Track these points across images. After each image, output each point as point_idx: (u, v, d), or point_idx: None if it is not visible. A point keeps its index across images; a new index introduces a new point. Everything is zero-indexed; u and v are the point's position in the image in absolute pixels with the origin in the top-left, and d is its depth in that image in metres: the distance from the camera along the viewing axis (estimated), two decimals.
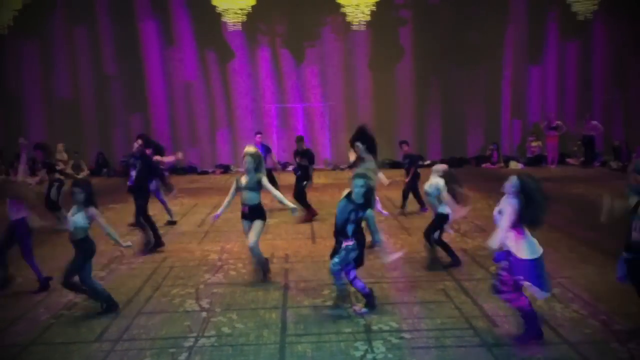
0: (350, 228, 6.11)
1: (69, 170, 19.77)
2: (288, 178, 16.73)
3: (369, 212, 6.19)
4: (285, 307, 6.51)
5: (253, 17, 18.10)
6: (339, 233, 6.20)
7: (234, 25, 17.95)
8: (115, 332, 5.90)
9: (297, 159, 12.07)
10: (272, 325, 5.99)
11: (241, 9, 17.56)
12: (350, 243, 6.14)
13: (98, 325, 6.07)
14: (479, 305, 6.40)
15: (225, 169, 20.68)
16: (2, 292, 7.23)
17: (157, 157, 10.44)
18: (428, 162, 20.82)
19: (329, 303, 6.65)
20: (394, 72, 21.13)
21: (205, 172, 20.51)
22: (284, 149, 20.72)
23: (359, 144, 8.38)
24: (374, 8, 17.52)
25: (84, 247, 6.27)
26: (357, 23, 17.76)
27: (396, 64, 21.10)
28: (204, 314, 6.37)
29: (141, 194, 9.32)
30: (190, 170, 20.56)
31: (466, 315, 6.14)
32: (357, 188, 6.06)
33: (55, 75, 20.76)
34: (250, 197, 7.27)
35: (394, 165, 19.15)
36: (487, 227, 10.37)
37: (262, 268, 7.52)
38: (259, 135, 14.16)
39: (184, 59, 20.88)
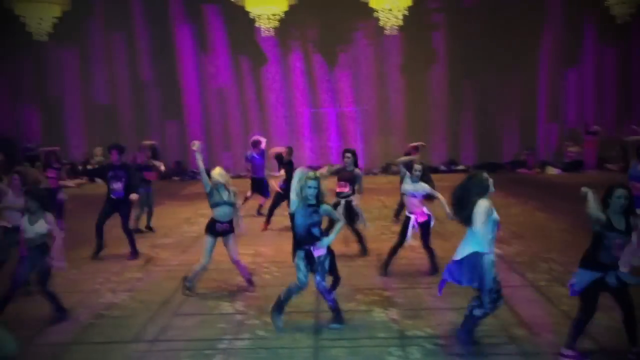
0: (316, 231, 6.00)
1: None
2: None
3: (324, 206, 6.09)
4: (319, 311, 6.51)
5: (286, 22, 18.23)
6: (304, 241, 5.99)
7: (267, 31, 18.09)
8: (152, 333, 5.98)
9: (281, 170, 11.48)
10: (306, 329, 6.00)
11: (274, 15, 17.70)
12: (322, 253, 6.01)
13: (135, 325, 6.17)
14: (517, 313, 6.31)
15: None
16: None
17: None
18: (461, 167, 20.69)
19: (363, 308, 6.63)
20: (427, 76, 21.03)
21: (238, 176, 20.65)
22: (315, 153, 20.80)
23: (349, 154, 8.95)
24: (406, 12, 17.46)
25: (43, 250, 6.27)
26: (389, 27, 17.72)
27: (429, 68, 21.00)
28: (239, 316, 6.41)
29: (128, 205, 9.21)
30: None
31: (503, 323, 6.05)
32: (311, 189, 5.92)
33: (93, 81, 21.23)
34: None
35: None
36: (524, 233, 10.27)
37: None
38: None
39: (218, 64, 21.15)
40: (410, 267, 8.26)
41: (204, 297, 7.08)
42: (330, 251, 6.13)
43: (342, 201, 8.88)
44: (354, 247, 9.33)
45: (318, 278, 6.02)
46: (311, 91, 21.34)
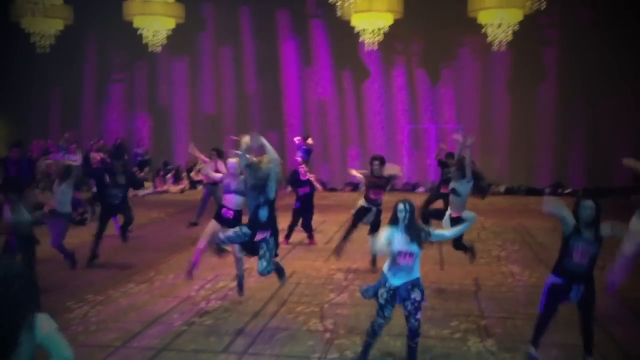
0: (262, 213, 6.03)
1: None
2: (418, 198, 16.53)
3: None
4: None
5: (390, 36, 18.07)
6: (254, 223, 6.10)
7: (371, 45, 18.02)
8: (242, 344, 6.00)
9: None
10: (397, 354, 5.79)
11: (379, 29, 17.59)
12: (267, 235, 6.10)
13: (227, 336, 6.22)
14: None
15: (355, 187, 20.72)
16: None
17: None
18: (569, 190, 19.60)
19: (457, 336, 6.33)
20: (535, 94, 20.14)
21: (334, 189, 20.71)
22: (413, 169, 20.47)
23: (377, 161, 8.96)
24: (516, 28, 16.81)
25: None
26: (497, 43, 17.13)
27: (537, 86, 20.10)
28: (328, 334, 6.31)
29: (128, 206, 9.60)
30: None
31: None
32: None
33: (201, 91, 22.07)
34: None
35: (529, 192, 18.17)
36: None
37: None
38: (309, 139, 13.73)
39: (320, 78, 21.34)
40: (509, 294, 7.83)
41: (294, 313, 7.03)
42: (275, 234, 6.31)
43: (374, 208, 8.69)
44: (448, 270, 9.01)
45: (264, 263, 6.18)
46: (412, 107, 21.04)
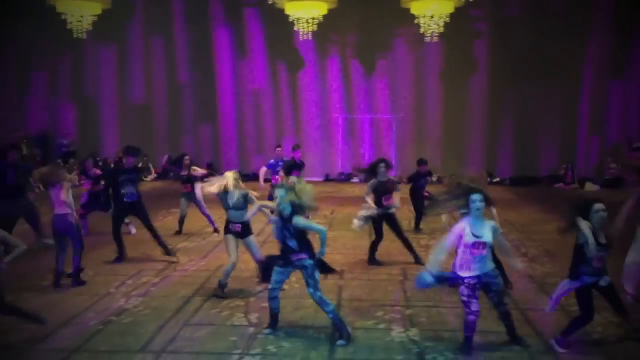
0: (292, 243, 5.81)
1: None
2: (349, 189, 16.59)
3: (297, 219, 5.79)
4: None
5: (324, 26, 18.00)
6: (287, 251, 5.89)
7: (305, 35, 17.89)
8: (160, 342, 5.77)
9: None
10: (321, 347, 5.71)
11: (313, 18, 17.48)
12: (303, 257, 5.83)
13: (145, 334, 5.97)
14: (545, 340, 5.90)
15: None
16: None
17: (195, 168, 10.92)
18: (497, 179, 20.13)
19: (382, 326, 6.31)
20: (466, 85, 20.55)
21: (268, 180, 20.47)
22: (347, 159, 20.53)
23: (383, 164, 8.74)
24: (447, 20, 17.05)
25: None
26: (430, 34, 17.33)
27: (469, 77, 20.51)
28: (251, 329, 6.17)
29: (143, 205, 9.11)
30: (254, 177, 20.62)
31: (530, 349, 5.66)
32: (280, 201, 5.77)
33: (130, 80, 21.38)
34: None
35: None
36: (557, 252, 9.75)
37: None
38: (279, 149, 13.18)
39: (254, 67, 21.07)
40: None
41: (219, 307, 6.85)
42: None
43: (388, 213, 8.70)
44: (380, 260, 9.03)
45: (311, 290, 5.86)
46: (347, 97, 21.07)
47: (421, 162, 11.78)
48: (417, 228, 11.43)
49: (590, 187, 18.83)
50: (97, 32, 18.21)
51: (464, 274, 5.44)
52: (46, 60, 20.99)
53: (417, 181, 11.66)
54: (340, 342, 5.77)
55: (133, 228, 10.76)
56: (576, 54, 19.66)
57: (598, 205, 5.42)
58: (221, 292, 7.18)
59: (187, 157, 11.59)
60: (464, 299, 5.45)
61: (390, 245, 9.55)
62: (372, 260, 8.93)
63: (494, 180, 19.99)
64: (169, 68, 21.24)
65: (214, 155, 21.05)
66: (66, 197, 7.49)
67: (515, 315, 6.62)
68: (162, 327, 6.16)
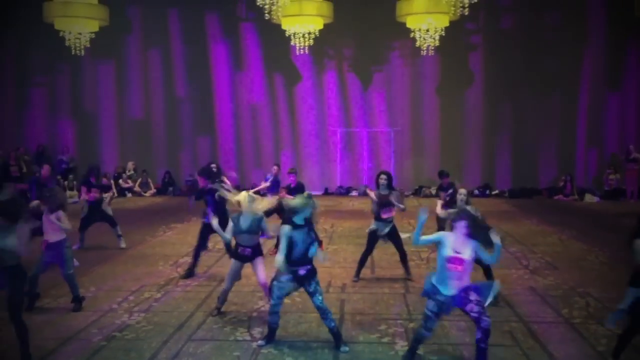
0: (312, 250, 5.95)
1: (136, 188, 20.31)
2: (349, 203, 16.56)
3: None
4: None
5: (321, 41, 18.09)
6: (300, 261, 5.92)
7: (302, 49, 17.98)
8: (164, 358, 5.75)
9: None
10: None
11: (309, 33, 17.57)
12: (309, 268, 5.99)
13: (148, 350, 5.95)
14: (549, 353, 5.90)
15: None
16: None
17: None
18: (496, 191, 20.20)
19: (386, 340, 6.30)
20: (463, 98, 20.66)
21: (265, 195, 20.46)
22: (346, 173, 20.57)
23: (384, 176, 8.69)
24: (443, 33, 17.16)
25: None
26: (425, 48, 17.44)
27: (465, 90, 20.63)
28: (255, 344, 6.15)
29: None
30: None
31: None
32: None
33: (128, 96, 21.43)
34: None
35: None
36: (559, 264, 9.79)
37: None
38: (275, 167, 12.96)
39: (252, 81, 21.15)
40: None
41: (221, 322, 6.84)
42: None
43: (387, 229, 8.64)
44: (379, 274, 9.03)
45: (320, 298, 5.96)
46: (344, 111, 21.15)
47: (442, 174, 11.35)
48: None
49: (590, 198, 18.87)
50: (95, 48, 18.25)
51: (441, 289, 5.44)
52: (45, 76, 21.05)
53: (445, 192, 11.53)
54: (344, 348, 5.95)
55: (123, 242, 10.83)
56: (573, 65, 19.82)
57: None
58: (216, 312, 7.09)
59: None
60: (428, 312, 5.50)
61: (391, 258, 9.57)
62: (358, 274, 8.80)
63: (493, 192, 20.09)
64: (167, 83, 21.30)
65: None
66: (65, 224, 7.21)
67: (519, 328, 6.66)
68: (165, 343, 6.15)
